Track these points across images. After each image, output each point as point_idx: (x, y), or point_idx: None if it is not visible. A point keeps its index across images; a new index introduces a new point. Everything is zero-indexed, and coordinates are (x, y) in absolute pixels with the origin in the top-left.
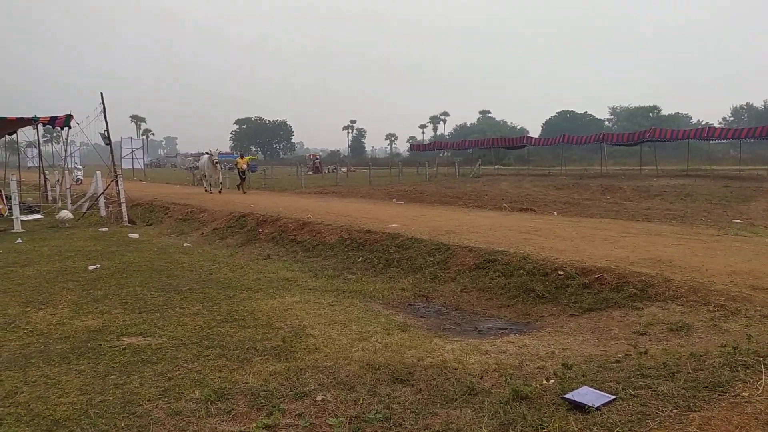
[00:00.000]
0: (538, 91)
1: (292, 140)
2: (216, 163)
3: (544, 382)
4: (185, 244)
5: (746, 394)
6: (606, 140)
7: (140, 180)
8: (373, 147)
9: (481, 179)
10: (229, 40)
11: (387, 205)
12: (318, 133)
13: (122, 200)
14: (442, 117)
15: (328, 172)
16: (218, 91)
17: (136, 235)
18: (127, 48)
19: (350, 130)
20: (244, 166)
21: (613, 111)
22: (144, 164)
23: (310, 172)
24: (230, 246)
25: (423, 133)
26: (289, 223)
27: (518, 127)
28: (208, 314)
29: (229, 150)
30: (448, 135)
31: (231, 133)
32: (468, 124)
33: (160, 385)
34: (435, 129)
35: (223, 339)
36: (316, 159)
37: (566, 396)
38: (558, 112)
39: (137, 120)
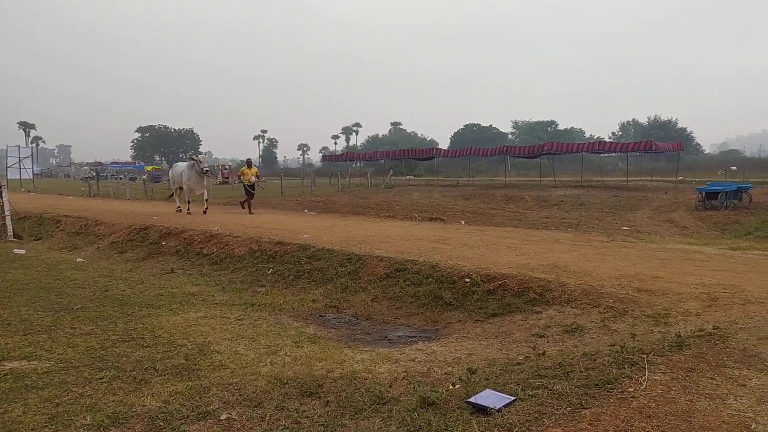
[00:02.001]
0: (447, 104)
1: (200, 149)
2: (206, 172)
3: (451, 387)
4: (78, 260)
5: (632, 389)
6: (509, 152)
7: (28, 191)
8: (285, 157)
9: (392, 190)
10: (129, 47)
11: (299, 216)
12: (227, 143)
13: (7, 213)
14: (355, 128)
15: (238, 182)
16: (119, 100)
17: (22, 251)
18: (12, 44)
19: (261, 140)
20: (253, 179)
21: (516, 125)
22: (33, 174)
23: (219, 183)
24: (130, 260)
25: (335, 143)
26: (195, 235)
27: (428, 139)
28: (102, 334)
29: (130, 159)
30: (360, 146)
31: (132, 142)
32: (380, 135)
33: (46, 412)
34: (347, 140)
35: (119, 360)
36: (225, 169)
37: (470, 400)
38: (465, 125)
39: (26, 127)
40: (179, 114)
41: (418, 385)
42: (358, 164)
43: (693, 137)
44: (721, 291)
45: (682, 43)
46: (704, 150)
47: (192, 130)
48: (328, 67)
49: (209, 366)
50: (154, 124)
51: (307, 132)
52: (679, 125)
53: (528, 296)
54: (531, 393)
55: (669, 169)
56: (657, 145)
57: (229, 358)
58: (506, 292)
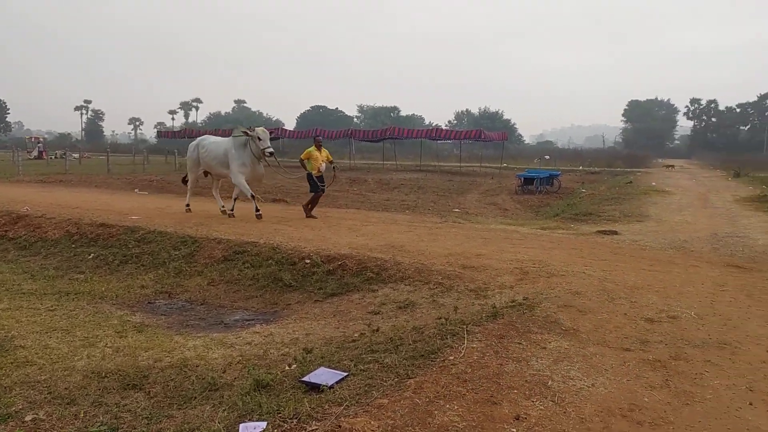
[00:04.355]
0: (293, 85)
1: (7, 119)
2: (270, 154)
3: (287, 368)
4: None
5: (452, 357)
6: (354, 136)
7: None
8: (114, 132)
9: None
10: None
11: (128, 196)
12: (43, 112)
13: None
14: (195, 104)
15: (55, 157)
16: None
17: None
18: None
19: (84, 111)
20: (324, 166)
21: (361, 109)
22: None
23: (32, 158)
24: None
25: (173, 119)
26: None
27: (274, 119)
28: None
29: None
30: (201, 123)
31: None
32: (223, 113)
33: None
34: (187, 116)
35: None
36: (39, 142)
37: (303, 379)
38: (312, 107)
39: None
40: None
41: (253, 369)
42: None
43: (516, 128)
44: (531, 266)
45: (506, 43)
46: (525, 140)
47: None
48: (164, 40)
49: (12, 363)
50: None
51: (141, 106)
52: (505, 117)
53: (366, 275)
54: (363, 368)
55: (496, 157)
56: (485, 134)
57: (36, 354)
58: (345, 272)
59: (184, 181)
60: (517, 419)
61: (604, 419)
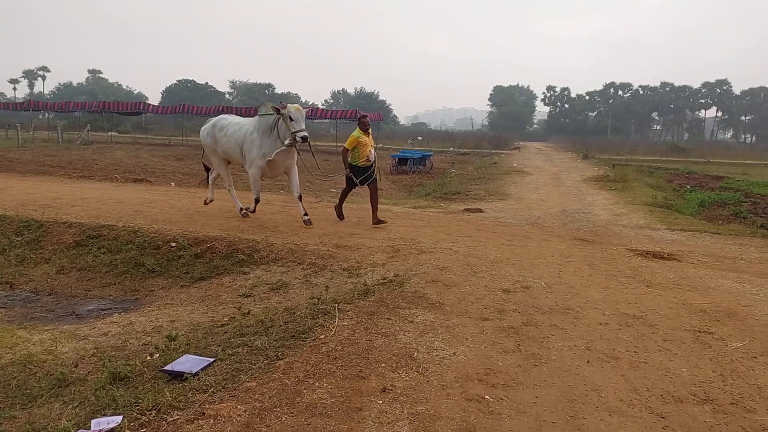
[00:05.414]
0: (158, 56)
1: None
2: (305, 140)
3: (148, 358)
4: None
5: (323, 336)
6: (226, 112)
7: None
8: None
9: (90, 147)
10: None
11: None
12: None
13: None
14: (41, 72)
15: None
16: None
17: None
18: None
19: None
20: (373, 154)
21: (233, 85)
22: None
23: None
24: None
25: (15, 89)
26: None
27: (135, 92)
28: None
29: None
30: (49, 94)
31: None
32: (75, 84)
33: None
34: (31, 86)
35: None
36: None
37: (165, 368)
38: (179, 80)
39: None
40: None
41: (109, 361)
42: (47, 116)
43: (391, 109)
44: (402, 244)
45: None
46: (400, 121)
47: None
48: None
49: None
50: None
51: None
52: (380, 98)
53: (237, 257)
54: (231, 352)
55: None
56: (361, 113)
57: None
58: (215, 254)
59: (208, 170)
60: (384, 391)
61: (462, 384)
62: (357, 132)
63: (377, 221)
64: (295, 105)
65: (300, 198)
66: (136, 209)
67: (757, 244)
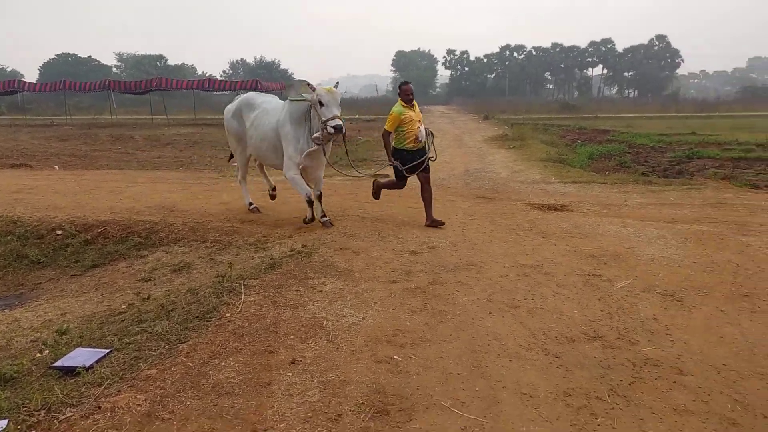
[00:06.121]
0: (31, 29)
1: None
2: (330, 127)
3: (38, 355)
4: None
5: (229, 314)
6: (113, 88)
7: None
8: None
9: None
10: None
11: None
12: None
13: None
14: None
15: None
16: None
17: None
18: None
19: None
20: (423, 133)
21: (120, 58)
22: None
23: None
24: None
25: None
26: None
27: (8, 70)
28: None
29: None
30: None
31: None
32: None
33: None
34: None
35: None
36: None
37: (55, 364)
38: (58, 55)
39: None
40: None
41: None
42: None
43: (294, 78)
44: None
45: None
46: None
47: None
48: None
49: None
50: None
51: None
52: (282, 66)
53: (133, 241)
54: (129, 341)
55: None
56: (262, 84)
57: None
58: (107, 240)
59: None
60: (293, 363)
61: (372, 347)
62: (398, 106)
63: (432, 222)
64: (327, 87)
65: (320, 197)
66: (15, 197)
67: (639, 190)
